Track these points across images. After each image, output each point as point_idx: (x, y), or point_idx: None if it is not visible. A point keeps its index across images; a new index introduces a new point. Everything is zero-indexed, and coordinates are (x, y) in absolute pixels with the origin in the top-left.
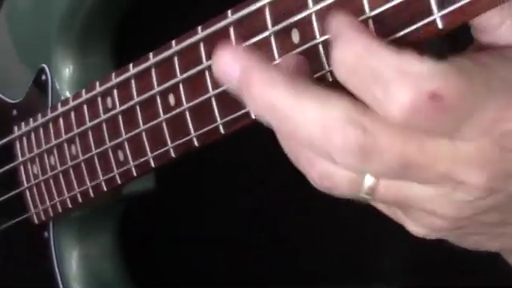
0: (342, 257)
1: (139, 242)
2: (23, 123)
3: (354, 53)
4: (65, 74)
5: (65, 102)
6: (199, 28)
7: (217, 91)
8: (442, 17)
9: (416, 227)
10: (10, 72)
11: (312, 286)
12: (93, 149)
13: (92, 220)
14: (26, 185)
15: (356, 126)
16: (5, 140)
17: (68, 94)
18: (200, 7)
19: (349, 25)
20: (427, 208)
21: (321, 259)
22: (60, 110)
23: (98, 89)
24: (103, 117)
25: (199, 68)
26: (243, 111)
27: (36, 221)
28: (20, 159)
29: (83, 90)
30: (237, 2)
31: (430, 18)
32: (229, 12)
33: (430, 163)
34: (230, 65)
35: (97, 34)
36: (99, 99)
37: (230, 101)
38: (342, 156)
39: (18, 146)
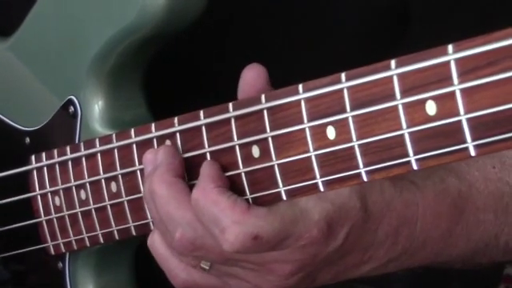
0: None
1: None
2: (44, 154)
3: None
4: (95, 108)
5: (105, 139)
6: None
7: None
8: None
9: None
10: (23, 99)
11: None
12: (141, 189)
13: (110, 254)
14: (43, 215)
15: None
16: (22, 169)
17: (98, 129)
18: (224, 48)
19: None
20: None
21: None
22: (99, 147)
23: (154, 132)
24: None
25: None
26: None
27: (53, 252)
28: (37, 190)
29: (132, 130)
30: None
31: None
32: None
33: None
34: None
35: (128, 71)
36: (155, 141)
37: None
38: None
39: (35, 175)
